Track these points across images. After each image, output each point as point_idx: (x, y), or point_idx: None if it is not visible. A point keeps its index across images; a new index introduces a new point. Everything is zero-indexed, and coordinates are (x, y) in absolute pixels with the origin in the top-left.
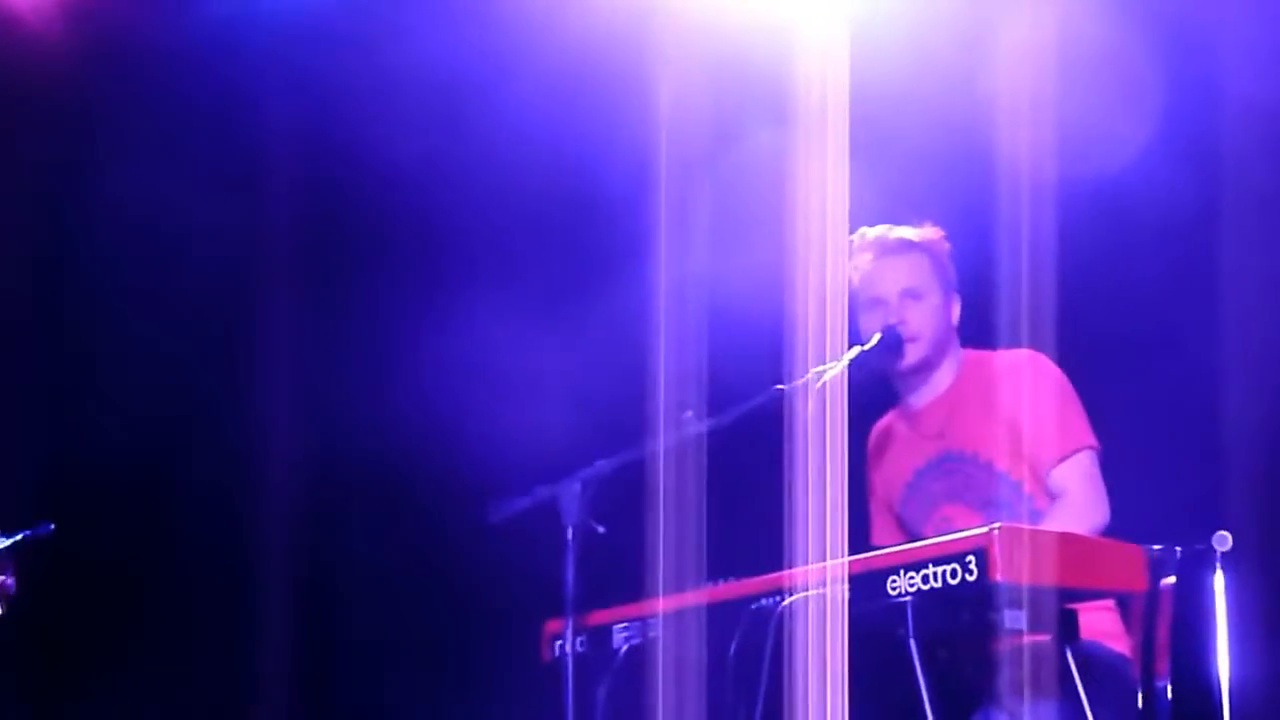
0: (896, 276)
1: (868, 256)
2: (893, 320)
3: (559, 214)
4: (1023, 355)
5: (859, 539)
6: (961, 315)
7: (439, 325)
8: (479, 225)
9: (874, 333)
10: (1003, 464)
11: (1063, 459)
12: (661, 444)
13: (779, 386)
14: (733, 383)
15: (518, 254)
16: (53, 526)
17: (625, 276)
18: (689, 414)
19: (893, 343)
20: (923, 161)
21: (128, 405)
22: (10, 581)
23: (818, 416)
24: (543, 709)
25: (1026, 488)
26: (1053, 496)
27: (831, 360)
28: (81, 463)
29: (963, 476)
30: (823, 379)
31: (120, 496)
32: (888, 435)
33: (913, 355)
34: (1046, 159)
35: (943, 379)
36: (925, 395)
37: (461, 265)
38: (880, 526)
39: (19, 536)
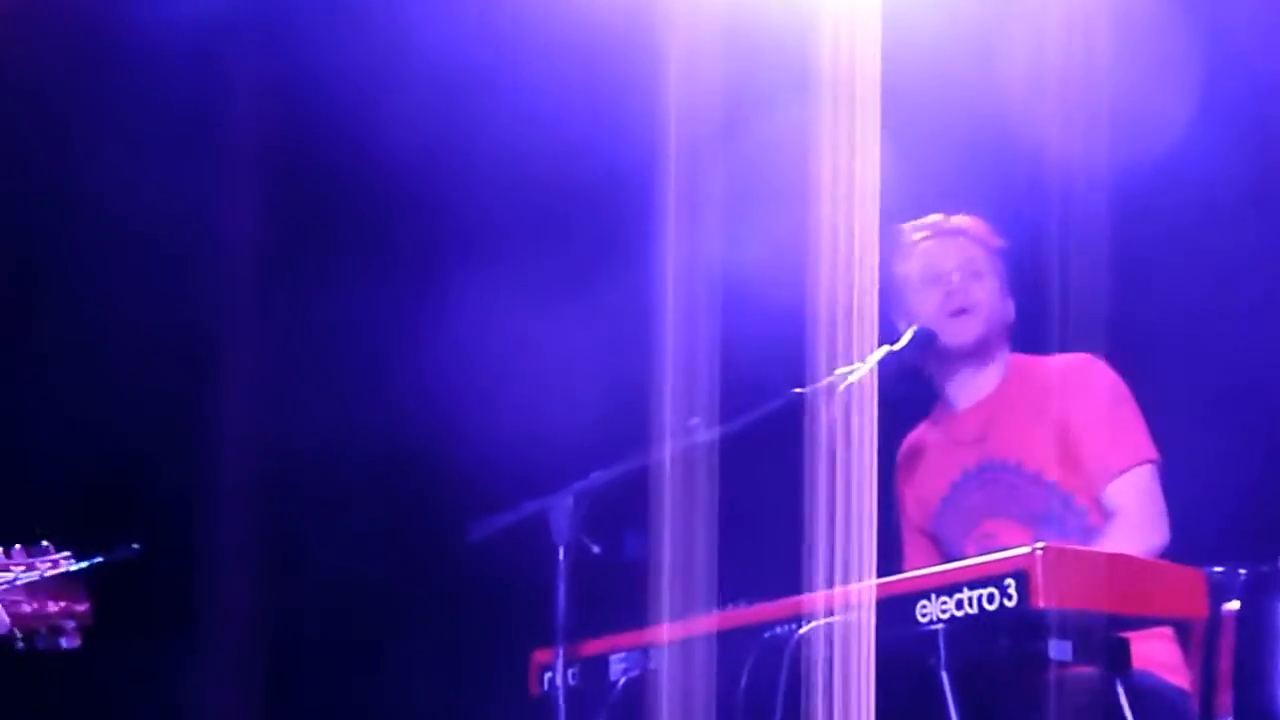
0: (955, 252)
1: (923, 235)
2: (955, 294)
3: (559, 203)
4: (1078, 359)
5: (888, 563)
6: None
7: (426, 325)
8: (475, 216)
9: (932, 313)
10: (1053, 475)
11: (1120, 473)
12: (665, 453)
13: (798, 390)
14: (747, 385)
15: (516, 247)
16: (137, 547)
17: (627, 270)
18: (696, 420)
19: (925, 340)
20: (959, 149)
21: (91, 408)
22: (84, 609)
23: (842, 423)
24: None
25: (1079, 501)
26: (1108, 514)
27: (857, 360)
28: (47, 468)
29: (1006, 487)
30: (848, 381)
31: (84, 503)
32: (919, 449)
33: (970, 331)
34: (1093, 147)
35: (988, 381)
36: (967, 397)
37: (455, 258)
38: (912, 551)
39: (96, 559)
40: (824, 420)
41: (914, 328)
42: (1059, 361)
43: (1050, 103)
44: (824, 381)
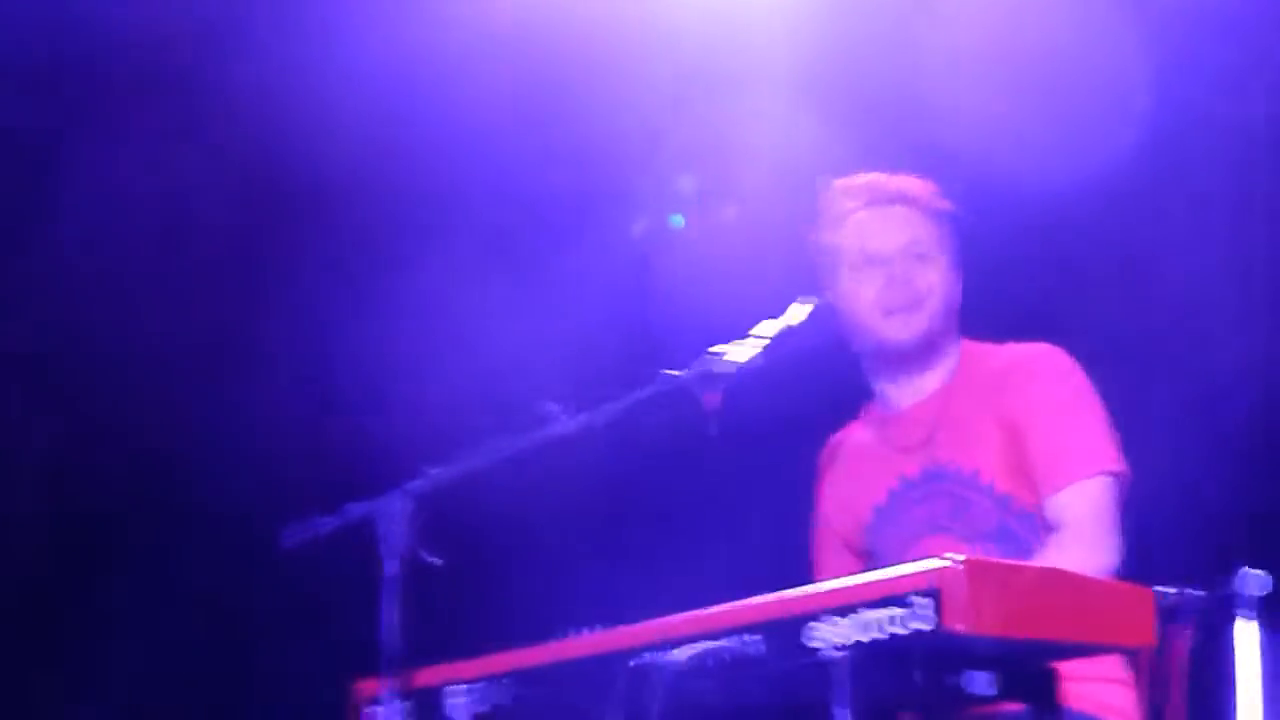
0: (898, 228)
1: (854, 205)
2: (896, 284)
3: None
4: (1035, 350)
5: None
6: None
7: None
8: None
9: (869, 304)
10: (1007, 486)
11: (1069, 484)
12: (515, 447)
13: (669, 372)
14: (613, 369)
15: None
16: None
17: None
18: (552, 407)
19: (824, 318)
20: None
21: None
22: None
23: (723, 413)
24: None
25: (1037, 520)
26: (1050, 529)
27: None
28: None
29: (952, 500)
30: (729, 362)
31: None
32: (848, 450)
33: (913, 328)
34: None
35: (935, 375)
36: (909, 394)
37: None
38: (829, 568)
39: None
40: (703, 408)
41: (814, 301)
42: (1018, 352)
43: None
44: (701, 364)
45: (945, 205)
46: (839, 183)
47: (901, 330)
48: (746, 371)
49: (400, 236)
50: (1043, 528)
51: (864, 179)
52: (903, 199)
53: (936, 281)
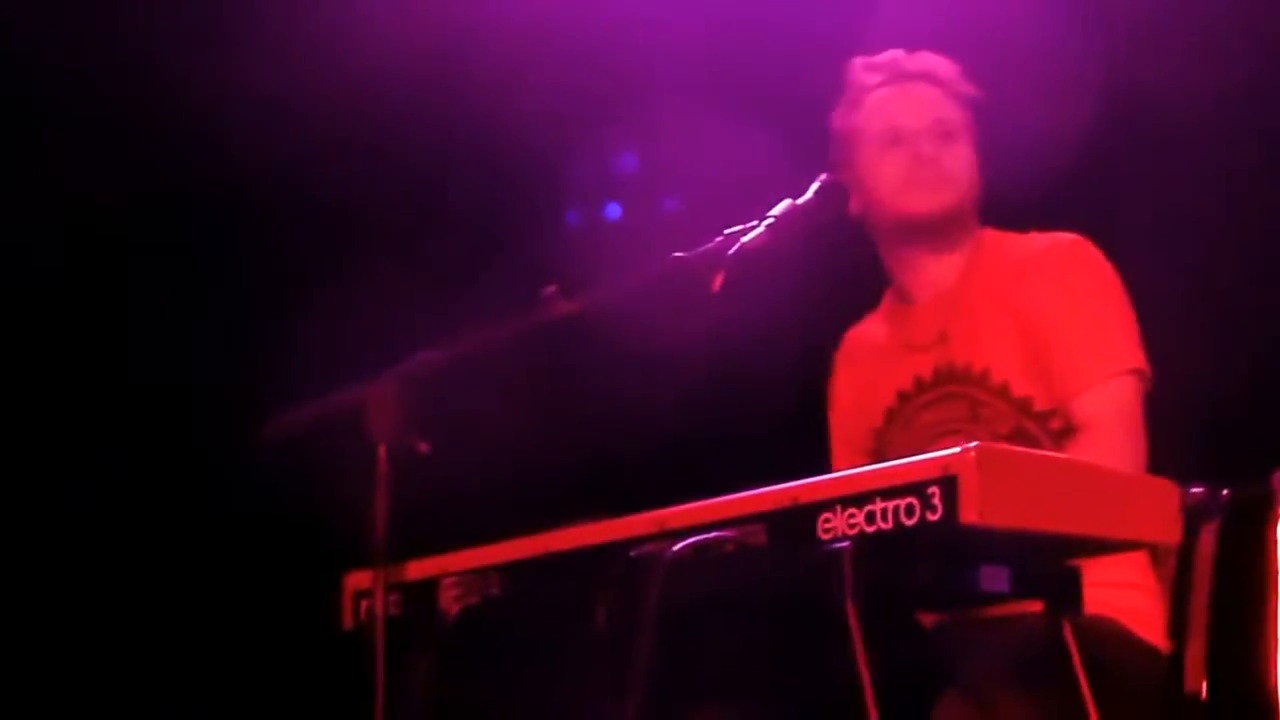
0: (923, 105)
1: (876, 81)
2: (923, 158)
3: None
4: (1062, 240)
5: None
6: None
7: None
8: None
9: (895, 186)
10: (1024, 389)
11: (1095, 384)
12: (510, 330)
13: (677, 255)
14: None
15: None
16: None
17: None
18: (551, 290)
19: (834, 193)
20: None
21: None
22: None
23: (734, 296)
24: (343, 692)
25: (1054, 424)
26: (1074, 431)
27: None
28: None
29: (966, 402)
30: (740, 242)
31: None
32: (859, 345)
33: (943, 200)
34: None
35: (952, 264)
36: (926, 285)
37: None
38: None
39: None
40: (712, 290)
41: (821, 177)
42: (1041, 242)
43: None
44: (710, 243)
45: (970, 89)
46: (859, 60)
47: (928, 203)
48: (753, 251)
49: None
50: (1063, 430)
51: (887, 55)
52: (927, 77)
53: (965, 160)
